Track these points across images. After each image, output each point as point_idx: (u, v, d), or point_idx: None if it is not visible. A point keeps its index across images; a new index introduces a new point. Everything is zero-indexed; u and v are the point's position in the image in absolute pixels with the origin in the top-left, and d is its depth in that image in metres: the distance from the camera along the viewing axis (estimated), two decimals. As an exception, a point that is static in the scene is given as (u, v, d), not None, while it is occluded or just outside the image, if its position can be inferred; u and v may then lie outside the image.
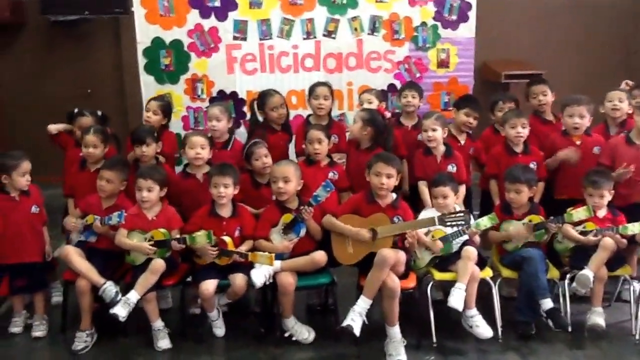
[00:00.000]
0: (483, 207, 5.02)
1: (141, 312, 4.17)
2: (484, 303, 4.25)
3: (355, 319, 3.95)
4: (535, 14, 8.08)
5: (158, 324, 4.20)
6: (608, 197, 4.39)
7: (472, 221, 4.23)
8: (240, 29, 5.82)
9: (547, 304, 4.21)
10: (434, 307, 4.22)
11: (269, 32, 5.85)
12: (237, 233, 4.26)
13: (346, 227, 4.19)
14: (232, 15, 5.79)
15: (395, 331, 4.03)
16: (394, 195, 4.26)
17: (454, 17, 5.88)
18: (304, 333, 4.24)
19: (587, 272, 4.15)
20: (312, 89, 5.28)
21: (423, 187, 4.71)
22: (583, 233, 4.33)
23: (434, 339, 4.17)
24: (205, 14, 5.77)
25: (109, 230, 4.25)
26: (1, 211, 4.28)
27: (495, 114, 5.21)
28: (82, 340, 4.15)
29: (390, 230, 4.09)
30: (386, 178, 4.13)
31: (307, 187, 4.38)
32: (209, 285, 4.08)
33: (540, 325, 4.29)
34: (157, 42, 5.78)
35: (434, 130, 4.71)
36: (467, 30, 5.91)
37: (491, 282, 4.30)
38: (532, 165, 4.64)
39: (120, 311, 3.97)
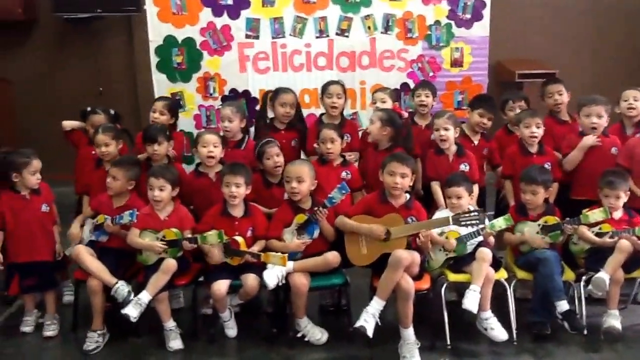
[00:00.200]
0: (498, 208, 4.98)
1: (153, 312, 4.15)
2: (497, 304, 4.21)
3: (368, 320, 3.92)
4: (550, 13, 8.01)
5: (170, 324, 4.18)
6: (624, 198, 4.33)
7: (487, 221, 4.17)
8: (253, 27, 5.79)
9: (563, 306, 4.16)
10: (448, 308, 4.18)
11: (281, 30, 5.81)
12: (249, 233, 4.24)
13: (360, 225, 4.16)
14: (245, 14, 5.76)
15: (409, 333, 4.00)
16: (408, 196, 4.22)
17: (468, 16, 5.83)
18: (317, 334, 4.21)
19: (603, 275, 4.10)
20: (325, 87, 5.24)
21: (436, 187, 4.65)
22: (599, 235, 4.28)
23: (448, 341, 4.13)
24: (217, 12, 5.74)
25: (121, 230, 4.24)
26: (11, 210, 4.27)
27: (507, 113, 5.17)
28: (94, 340, 4.14)
29: (404, 231, 4.06)
30: (400, 177, 4.09)
31: (320, 187, 4.35)
32: (221, 286, 4.06)
33: (555, 327, 4.24)
34: (170, 41, 5.76)
35: (446, 129, 4.66)
36: (481, 29, 5.85)
37: (506, 284, 4.25)
38: (547, 166, 4.59)
39: (132, 311, 3.96)
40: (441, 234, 4.20)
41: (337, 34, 5.83)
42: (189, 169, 5.04)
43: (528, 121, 4.67)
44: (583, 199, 4.62)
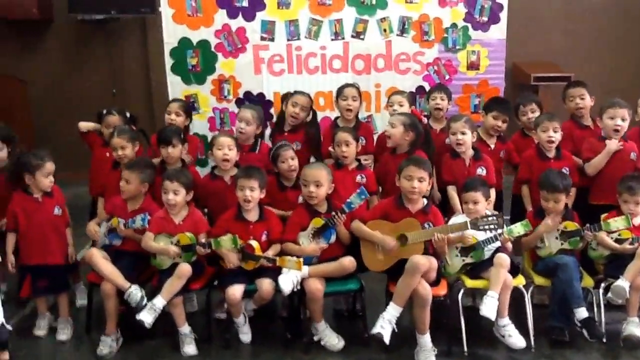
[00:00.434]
0: (514, 212, 4.93)
1: (167, 314, 4.12)
2: (514, 310, 4.16)
3: (385, 326, 3.88)
4: (567, 15, 7.96)
5: (185, 328, 4.15)
6: (644, 203, 4.27)
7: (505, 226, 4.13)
8: (268, 29, 5.78)
9: (582, 313, 4.10)
10: (465, 314, 4.13)
11: (296, 32, 5.79)
12: (264, 237, 4.20)
13: (373, 234, 4.12)
14: (260, 16, 5.75)
15: (425, 340, 3.96)
16: (425, 201, 4.17)
17: (485, 19, 5.79)
18: (334, 339, 4.17)
19: (623, 282, 4.04)
20: (340, 90, 5.21)
21: (452, 192, 4.60)
22: (618, 241, 4.23)
23: (465, 347, 4.09)
24: (232, 14, 5.73)
25: (134, 234, 4.22)
26: (24, 212, 4.25)
27: (520, 118, 5.13)
28: (107, 344, 4.11)
29: (421, 236, 4.02)
30: (418, 182, 4.04)
31: (335, 191, 4.31)
32: (236, 291, 4.02)
33: (573, 334, 4.19)
34: (184, 43, 5.75)
35: (463, 133, 4.61)
36: (498, 31, 5.81)
37: (524, 290, 4.19)
38: (565, 171, 4.53)
39: (147, 317, 3.94)
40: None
41: (352, 36, 5.80)
42: (203, 171, 5.02)
43: (545, 125, 4.62)
44: (602, 203, 4.57)
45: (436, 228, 4.05)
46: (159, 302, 3.98)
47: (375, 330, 3.88)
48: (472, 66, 5.87)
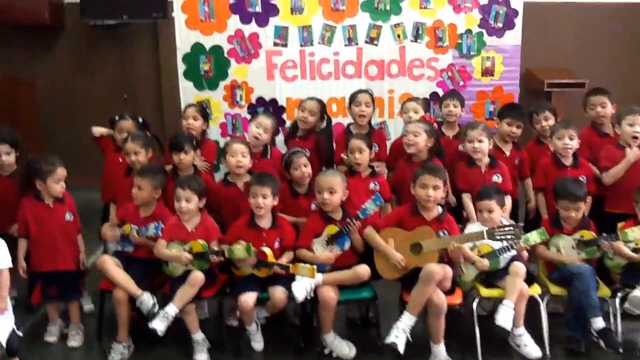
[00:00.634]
0: (526, 220, 4.89)
1: (179, 321, 4.08)
2: (528, 319, 4.11)
3: (399, 335, 3.85)
4: (581, 21, 7.87)
5: (198, 336, 4.12)
6: (661, 212, 4.22)
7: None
8: (281, 34, 5.77)
9: (599, 323, 4.05)
10: (479, 323, 4.08)
11: (310, 38, 5.78)
12: (276, 244, 4.17)
13: (383, 245, 4.09)
14: (273, 21, 5.75)
15: (440, 349, 3.93)
16: (440, 209, 4.13)
17: (500, 25, 5.76)
18: (345, 349, 4.12)
19: (640, 292, 3.98)
20: (353, 96, 5.18)
21: (467, 200, 4.57)
22: (635, 250, 4.16)
23: (480, 357, 4.04)
24: (245, 20, 5.72)
25: (147, 241, 4.19)
26: (35, 218, 4.22)
27: (534, 125, 5.09)
28: (119, 352, 4.09)
29: (436, 245, 3.98)
30: (433, 190, 4.01)
31: (348, 198, 4.26)
32: (249, 298, 3.99)
33: (589, 344, 4.13)
34: (197, 48, 5.75)
35: (480, 141, 4.57)
36: (513, 37, 5.78)
37: (539, 299, 4.14)
38: (582, 179, 4.48)
39: (159, 325, 3.91)
40: (473, 247, 4.11)
41: (366, 42, 5.79)
42: (215, 177, 5.00)
43: (561, 133, 4.58)
44: (618, 212, 4.53)
45: (452, 237, 4.01)
46: (172, 309, 3.95)
47: (390, 339, 3.84)
48: (487, 72, 5.84)
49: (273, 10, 5.72)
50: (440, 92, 5.76)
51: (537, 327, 4.13)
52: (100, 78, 7.95)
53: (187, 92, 5.82)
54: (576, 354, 4.09)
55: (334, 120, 5.60)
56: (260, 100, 5.85)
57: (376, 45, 5.79)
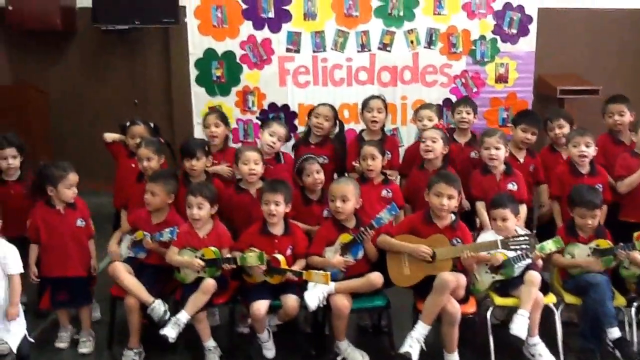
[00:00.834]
0: (540, 228, 4.84)
1: (190, 328, 4.05)
2: (542, 328, 4.05)
3: (413, 345, 3.80)
4: (594, 27, 7.81)
5: (210, 343, 4.09)
6: (677, 221, 4.18)
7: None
8: (294, 40, 5.77)
9: (614, 333, 4.00)
10: (492, 332, 4.04)
11: (322, 44, 5.78)
12: (289, 251, 4.13)
13: (403, 244, 4.04)
14: (286, 27, 5.76)
15: (454, 358, 3.90)
16: (453, 216, 4.10)
17: (514, 31, 5.75)
18: (358, 357, 4.08)
19: (657, 302, 3.94)
20: (365, 102, 5.15)
21: (481, 208, 4.52)
22: (651, 260, 4.11)
23: (494, 366, 4.00)
24: (258, 26, 5.73)
25: (160, 247, 4.17)
26: (45, 224, 4.20)
27: (548, 132, 5.04)
28: (130, 358, 4.06)
29: (450, 253, 3.94)
30: (447, 199, 3.97)
31: (361, 206, 4.22)
32: (261, 306, 3.95)
33: (605, 354, 4.08)
34: (209, 54, 5.76)
35: (497, 148, 4.53)
36: (527, 44, 5.77)
37: (554, 309, 4.10)
38: (598, 187, 4.42)
39: (170, 332, 3.88)
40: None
41: (379, 48, 5.79)
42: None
43: (577, 140, 4.53)
44: (632, 221, 4.48)
45: (465, 246, 3.98)
46: (183, 316, 3.92)
47: (404, 349, 3.80)
48: (501, 79, 5.83)
49: (286, 16, 5.72)
50: (454, 99, 5.76)
51: (551, 337, 4.08)
52: (110, 83, 7.94)
53: (199, 98, 5.83)
54: (591, 363, 4.04)
55: (346, 127, 5.56)
56: (272, 106, 5.84)
57: (389, 51, 5.78)
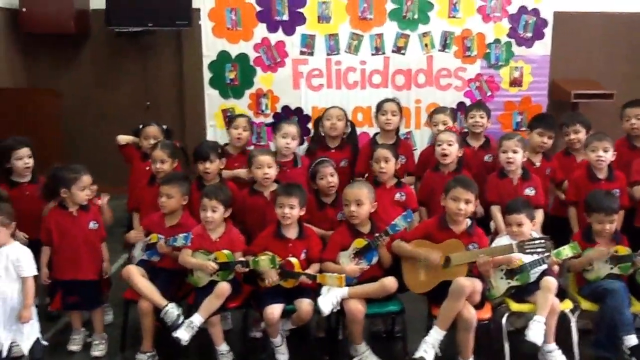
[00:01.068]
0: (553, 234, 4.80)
1: (203, 332, 4.03)
2: (556, 334, 4.00)
3: (428, 350, 3.77)
4: (610, 32, 7.78)
5: (223, 347, 4.07)
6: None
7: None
8: (308, 43, 5.75)
9: (631, 340, 3.94)
10: (508, 338, 4.01)
11: (336, 47, 5.76)
12: (303, 255, 4.11)
13: (416, 250, 4.01)
14: (300, 30, 5.74)
15: (469, 365, 3.84)
16: (469, 221, 4.06)
17: (529, 34, 5.71)
18: (374, 362, 4.06)
19: (675, 309, 3.90)
20: (379, 105, 5.13)
21: (497, 212, 4.47)
22: (668, 267, 4.07)
23: (508, 373, 3.96)
24: (272, 28, 5.72)
25: (173, 251, 4.15)
26: (58, 227, 4.19)
27: (563, 137, 5.00)
28: (143, 362, 4.06)
29: (465, 258, 3.90)
30: (464, 204, 3.94)
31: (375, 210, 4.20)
32: (275, 310, 3.92)
33: (621, 362, 4.04)
34: (223, 56, 5.75)
35: (514, 152, 4.49)
36: (542, 47, 5.73)
37: (570, 315, 4.05)
38: (615, 192, 4.38)
39: (184, 335, 3.86)
40: (502, 260, 4.03)
41: (393, 51, 5.76)
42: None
43: (595, 145, 4.50)
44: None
45: (481, 250, 3.94)
46: (197, 320, 3.91)
47: (419, 354, 3.77)
48: (515, 83, 5.78)
49: (300, 18, 5.70)
50: (468, 102, 5.73)
51: (566, 344, 4.03)
52: (123, 86, 7.95)
53: (213, 100, 5.82)
54: (608, 372, 4.00)
55: (359, 130, 5.55)
56: (286, 109, 5.82)
57: (403, 54, 5.76)
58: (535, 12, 5.68)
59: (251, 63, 5.74)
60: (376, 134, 5.19)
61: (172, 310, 3.95)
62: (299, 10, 5.71)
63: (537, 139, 4.86)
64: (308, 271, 4.03)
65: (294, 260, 4.01)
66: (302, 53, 5.75)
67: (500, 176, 4.58)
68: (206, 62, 5.76)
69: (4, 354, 3.71)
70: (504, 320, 4.02)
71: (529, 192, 4.49)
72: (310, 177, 4.50)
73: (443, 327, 3.80)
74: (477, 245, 3.99)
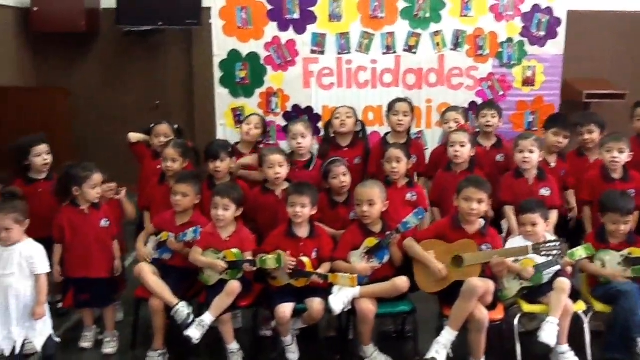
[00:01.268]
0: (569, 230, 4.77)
1: (213, 331, 4.03)
2: (568, 335, 3.98)
3: (440, 351, 3.75)
4: (622, 32, 7.72)
5: (233, 346, 4.07)
6: None
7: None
8: (319, 42, 5.74)
9: (645, 343, 3.92)
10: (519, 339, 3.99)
11: (347, 46, 5.75)
12: (314, 254, 4.09)
13: (425, 256, 4.00)
14: (311, 29, 5.73)
15: (481, 366, 3.82)
16: (482, 222, 4.03)
17: (542, 33, 5.68)
18: (383, 361, 4.04)
19: (687, 312, 3.86)
20: (391, 104, 5.10)
21: (510, 212, 4.44)
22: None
23: (521, 374, 3.93)
24: (283, 27, 5.71)
25: (184, 248, 4.15)
26: (70, 224, 4.20)
27: (577, 137, 4.96)
28: (154, 360, 4.05)
29: (478, 259, 3.87)
30: (477, 203, 3.91)
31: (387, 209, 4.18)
32: (286, 309, 3.91)
33: (634, 364, 4.00)
34: (234, 55, 5.74)
35: (531, 152, 4.45)
36: (555, 47, 5.70)
37: (583, 316, 4.02)
38: (631, 193, 4.34)
39: (194, 333, 3.86)
40: (515, 261, 3.99)
41: (404, 50, 5.75)
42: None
43: (610, 146, 4.46)
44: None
45: (495, 251, 3.91)
46: (208, 318, 3.90)
47: (430, 355, 3.75)
48: (527, 82, 5.76)
49: (311, 17, 5.69)
50: (480, 102, 5.68)
51: (578, 345, 4.00)
52: (132, 85, 7.94)
53: (223, 99, 5.81)
54: (620, 374, 3.97)
55: (370, 130, 5.53)
56: (296, 108, 5.80)
57: (415, 53, 5.74)
58: (549, 10, 5.65)
59: (262, 62, 5.73)
60: (387, 133, 5.17)
61: (183, 310, 3.95)
62: (309, 8, 5.70)
63: (552, 138, 4.83)
64: (319, 271, 4.02)
65: (305, 259, 4.00)
66: (312, 52, 5.74)
67: (516, 176, 4.55)
68: (217, 61, 5.76)
69: (17, 350, 3.72)
70: (515, 321, 4.00)
71: (545, 192, 4.45)
72: (322, 176, 4.48)
73: (455, 328, 3.78)
74: (490, 246, 3.96)
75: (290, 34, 5.69)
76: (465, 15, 5.65)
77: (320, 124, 5.71)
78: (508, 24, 5.64)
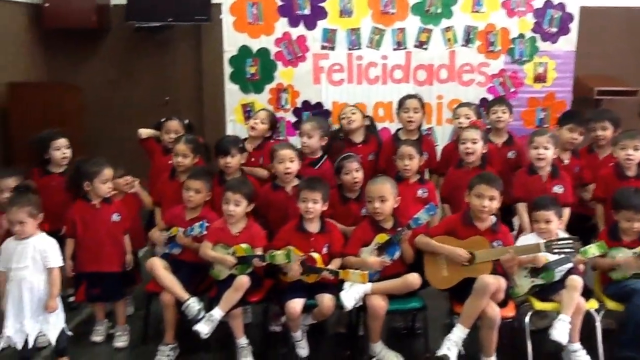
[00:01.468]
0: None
1: (223, 326, 4.02)
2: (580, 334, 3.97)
3: (451, 348, 3.73)
4: (634, 28, 7.65)
5: (243, 340, 4.07)
6: None
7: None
8: (329, 38, 5.73)
9: (658, 341, 3.88)
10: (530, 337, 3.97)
11: (358, 41, 5.73)
12: (324, 250, 4.09)
13: (442, 246, 3.98)
14: (321, 24, 5.71)
15: (492, 363, 3.80)
16: (494, 218, 4.01)
17: (554, 29, 5.64)
18: (392, 358, 4.02)
19: (703, 309, 3.82)
20: (402, 101, 5.07)
21: (522, 209, 4.41)
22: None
23: (532, 372, 3.92)
24: (294, 23, 5.70)
25: (192, 242, 4.16)
26: (81, 219, 4.23)
27: (590, 133, 4.93)
28: (165, 354, 4.06)
29: (490, 255, 3.86)
30: (488, 200, 3.90)
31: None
32: (297, 305, 3.91)
33: (647, 363, 3.97)
34: (244, 51, 5.73)
35: (546, 148, 4.41)
36: (568, 43, 5.67)
37: (595, 315, 4.00)
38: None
39: (204, 328, 3.86)
40: (525, 256, 3.98)
41: (415, 46, 5.72)
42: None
43: (624, 143, 4.43)
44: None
45: (507, 248, 3.90)
46: (217, 313, 3.90)
47: (442, 352, 3.73)
48: (539, 79, 5.73)
49: (321, 13, 5.68)
50: (491, 98, 5.63)
51: (589, 344, 3.98)
52: (142, 80, 7.93)
53: (233, 95, 5.81)
54: (634, 373, 3.94)
55: (380, 126, 5.50)
56: (306, 103, 5.79)
57: (425, 49, 5.72)
58: (561, 6, 5.61)
59: (272, 57, 5.72)
60: (398, 129, 5.14)
61: (193, 305, 3.96)
62: (320, 4, 5.68)
63: (567, 135, 4.79)
64: (330, 266, 4.01)
65: (316, 255, 3.99)
66: (323, 48, 5.72)
67: (530, 172, 4.51)
68: (227, 56, 5.77)
69: (31, 344, 3.73)
70: (527, 318, 3.98)
71: (558, 189, 4.42)
72: (335, 171, 4.47)
73: (467, 325, 3.77)
74: (502, 243, 3.95)
75: (300, 29, 5.68)
76: (477, 11, 5.62)
77: (330, 120, 5.68)
78: (520, 20, 5.61)
